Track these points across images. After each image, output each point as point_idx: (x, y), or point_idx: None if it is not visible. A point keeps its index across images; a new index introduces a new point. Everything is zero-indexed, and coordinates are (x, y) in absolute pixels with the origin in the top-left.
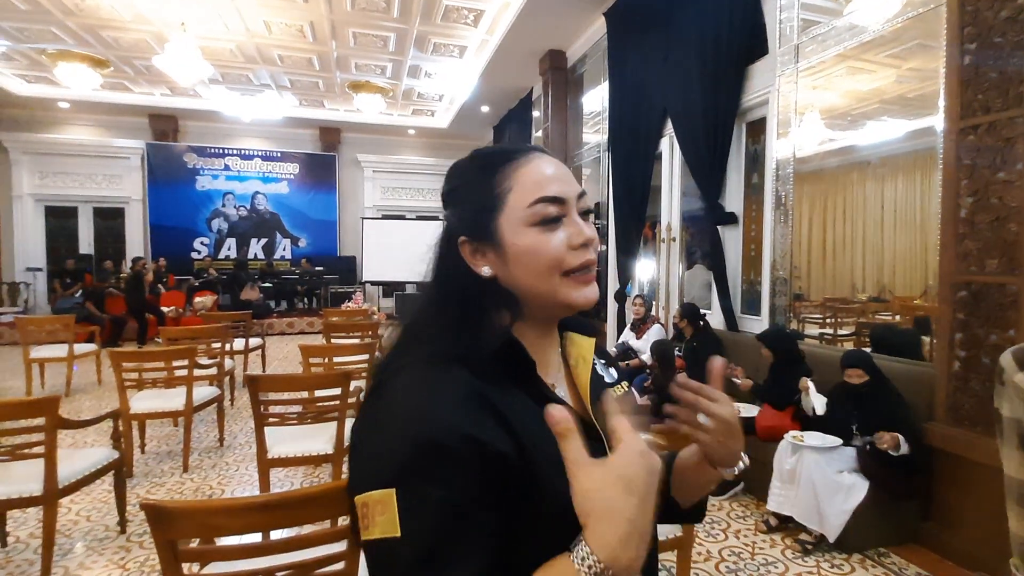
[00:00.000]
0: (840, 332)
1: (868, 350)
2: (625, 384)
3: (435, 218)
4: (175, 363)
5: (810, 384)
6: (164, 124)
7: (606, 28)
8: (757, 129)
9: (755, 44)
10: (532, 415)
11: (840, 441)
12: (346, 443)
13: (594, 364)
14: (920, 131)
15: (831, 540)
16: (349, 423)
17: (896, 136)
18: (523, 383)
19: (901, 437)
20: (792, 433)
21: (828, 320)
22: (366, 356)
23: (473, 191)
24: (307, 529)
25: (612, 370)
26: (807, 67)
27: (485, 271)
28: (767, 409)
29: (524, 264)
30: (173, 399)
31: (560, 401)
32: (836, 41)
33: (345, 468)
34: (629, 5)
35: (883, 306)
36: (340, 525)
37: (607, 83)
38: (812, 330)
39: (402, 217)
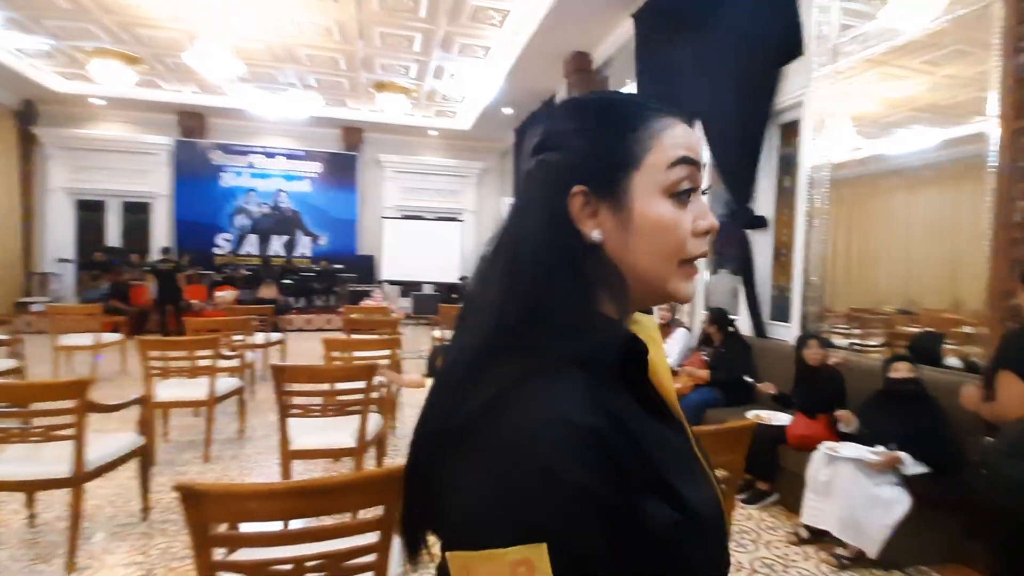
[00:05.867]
0: (868, 343)
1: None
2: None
3: (454, 219)
4: (199, 353)
5: (853, 418)
6: (192, 121)
7: (634, 29)
8: (790, 131)
9: (790, 44)
10: (654, 431)
11: (879, 450)
12: (368, 437)
13: None
14: (960, 139)
15: (872, 556)
16: (372, 418)
17: (934, 143)
18: (631, 384)
19: (904, 456)
20: (827, 444)
21: (855, 331)
22: (387, 352)
23: (600, 138)
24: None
25: None
26: (844, 69)
27: (595, 235)
28: (800, 418)
29: (650, 239)
30: (196, 389)
31: (659, 399)
32: (877, 41)
33: (369, 465)
34: (659, 6)
35: (912, 319)
36: (372, 515)
37: (633, 85)
38: (838, 340)
39: (421, 218)
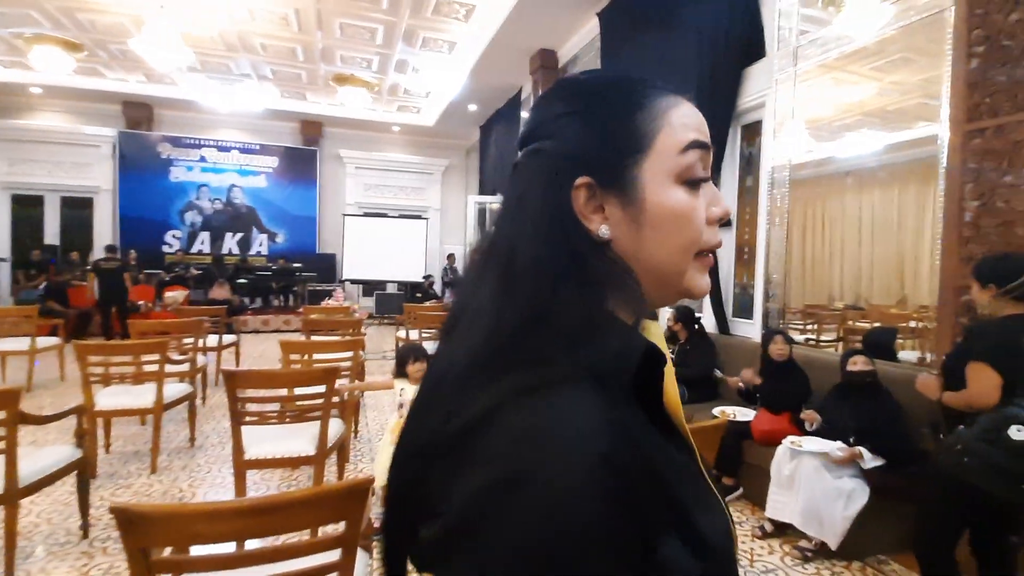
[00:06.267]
0: (823, 338)
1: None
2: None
3: (418, 217)
4: (145, 358)
5: (818, 418)
6: (138, 112)
7: (599, 28)
8: (752, 132)
9: (753, 46)
10: (668, 453)
11: (840, 446)
12: (330, 443)
13: None
14: (913, 141)
15: (833, 547)
16: (333, 423)
17: (889, 145)
18: (644, 400)
19: (864, 451)
20: (790, 439)
21: (809, 326)
22: (349, 353)
23: (603, 121)
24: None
25: None
26: (804, 72)
27: (603, 231)
28: (763, 413)
29: (666, 232)
30: (142, 396)
31: (668, 417)
32: (835, 46)
33: (330, 472)
34: (624, 5)
35: (861, 314)
36: (333, 532)
37: None
38: (795, 336)
39: (384, 215)
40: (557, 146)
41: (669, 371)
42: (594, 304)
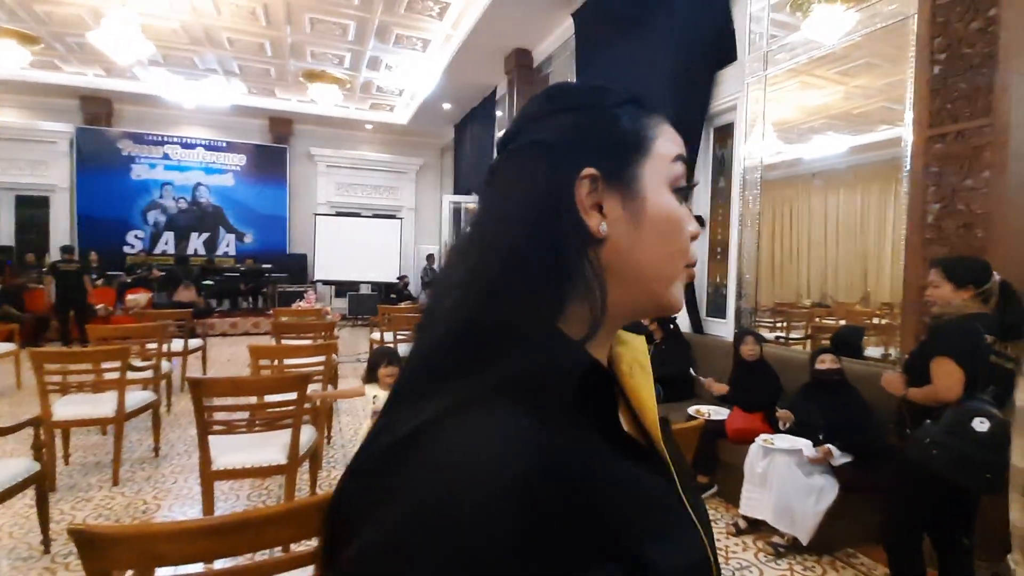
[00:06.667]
0: (792, 335)
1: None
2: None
3: (392, 216)
4: (105, 365)
5: (792, 417)
6: (97, 107)
7: (574, 29)
8: (724, 134)
9: (725, 50)
10: (621, 476)
11: (811, 444)
12: (302, 452)
13: None
14: (877, 143)
15: (804, 542)
16: (305, 430)
17: (855, 148)
18: (594, 417)
19: (833, 448)
20: (763, 436)
21: (779, 324)
22: (321, 358)
23: (607, 119)
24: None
25: None
26: (774, 76)
27: (602, 228)
28: (737, 412)
29: (662, 235)
30: (102, 405)
31: (644, 433)
32: (804, 50)
33: (302, 480)
34: (598, 7)
35: (827, 311)
36: (305, 549)
37: None
38: (765, 334)
39: (357, 215)
40: (560, 138)
41: (647, 387)
42: (543, 310)
